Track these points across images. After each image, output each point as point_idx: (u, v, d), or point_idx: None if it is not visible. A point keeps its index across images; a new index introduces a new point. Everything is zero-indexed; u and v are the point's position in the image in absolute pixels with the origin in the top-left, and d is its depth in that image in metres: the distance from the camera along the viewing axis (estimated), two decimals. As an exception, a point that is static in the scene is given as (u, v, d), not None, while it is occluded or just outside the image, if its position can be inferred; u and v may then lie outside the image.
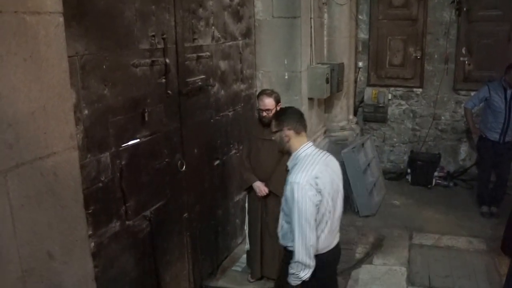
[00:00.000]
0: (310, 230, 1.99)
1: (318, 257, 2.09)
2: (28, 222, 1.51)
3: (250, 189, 3.28)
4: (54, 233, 1.62)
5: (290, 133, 2.07)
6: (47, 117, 1.57)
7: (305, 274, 2.04)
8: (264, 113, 3.12)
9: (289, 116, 2.10)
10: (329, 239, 2.16)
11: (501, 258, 3.77)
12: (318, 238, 2.06)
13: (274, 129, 2.16)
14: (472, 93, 5.02)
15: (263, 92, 3.18)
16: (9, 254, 1.46)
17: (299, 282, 2.08)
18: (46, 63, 1.55)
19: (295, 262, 2.04)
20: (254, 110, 3.96)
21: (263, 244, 3.36)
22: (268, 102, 3.09)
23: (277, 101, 3.14)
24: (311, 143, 2.15)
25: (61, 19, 1.61)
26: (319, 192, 2.02)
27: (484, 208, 4.66)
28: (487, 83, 4.63)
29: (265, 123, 3.15)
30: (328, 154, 2.24)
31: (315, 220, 2.03)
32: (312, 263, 2.03)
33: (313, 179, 2.02)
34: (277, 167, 3.14)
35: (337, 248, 2.29)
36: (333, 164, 2.22)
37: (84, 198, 1.78)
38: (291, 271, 2.07)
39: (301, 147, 2.09)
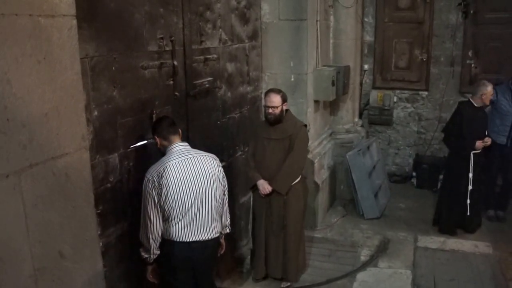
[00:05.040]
0: (148, 220, 2.30)
1: (171, 243, 2.38)
2: (40, 222, 1.54)
3: (255, 188, 3.31)
4: (65, 232, 1.64)
5: (159, 139, 2.45)
6: (60, 118, 1.60)
7: (148, 255, 2.38)
8: (270, 110, 3.17)
9: (157, 126, 2.46)
10: (187, 232, 2.39)
11: (507, 262, 3.76)
12: (170, 227, 2.36)
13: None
14: (478, 96, 4.99)
15: (271, 90, 3.28)
16: (22, 252, 1.48)
17: (149, 260, 2.40)
18: (59, 65, 1.58)
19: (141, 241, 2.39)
20: (260, 112, 3.97)
21: (267, 244, 3.37)
22: (275, 99, 3.16)
23: (284, 100, 3.21)
24: (181, 144, 2.44)
25: (74, 21, 1.64)
26: (161, 187, 2.28)
27: (490, 212, 4.64)
28: (494, 86, 4.61)
29: (270, 121, 3.20)
30: (199, 153, 2.46)
31: (160, 211, 2.32)
32: (150, 247, 2.35)
33: (158, 173, 2.30)
34: (282, 166, 3.18)
35: (197, 243, 2.41)
36: (201, 163, 2.43)
37: (93, 198, 1.81)
38: (140, 249, 2.40)
39: (170, 146, 2.42)
